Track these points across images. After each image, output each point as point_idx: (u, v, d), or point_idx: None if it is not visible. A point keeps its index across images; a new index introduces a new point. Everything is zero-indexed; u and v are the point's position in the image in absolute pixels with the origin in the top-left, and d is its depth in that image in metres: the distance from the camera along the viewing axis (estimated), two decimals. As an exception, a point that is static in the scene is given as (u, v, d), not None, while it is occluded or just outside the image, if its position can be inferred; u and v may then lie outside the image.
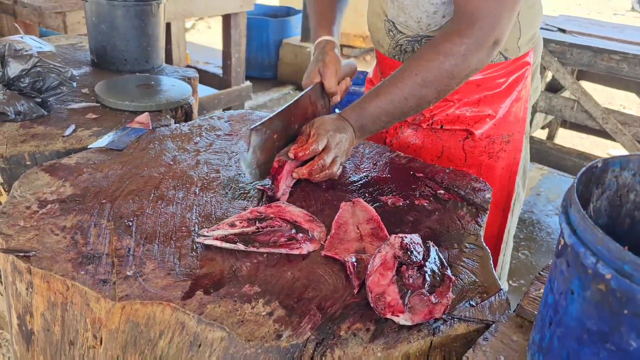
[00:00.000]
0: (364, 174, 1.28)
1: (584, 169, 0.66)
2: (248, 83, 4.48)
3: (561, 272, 0.62)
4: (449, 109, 1.41)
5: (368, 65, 6.65)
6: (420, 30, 1.32)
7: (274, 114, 1.19)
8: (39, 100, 1.49)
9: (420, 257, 0.91)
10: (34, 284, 0.89)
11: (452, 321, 0.84)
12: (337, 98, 1.37)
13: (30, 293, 0.91)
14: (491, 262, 1.00)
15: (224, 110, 4.37)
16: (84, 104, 1.57)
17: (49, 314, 0.91)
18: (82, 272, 0.87)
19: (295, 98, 1.26)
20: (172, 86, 1.72)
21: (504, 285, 1.69)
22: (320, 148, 1.17)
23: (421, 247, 0.95)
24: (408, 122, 1.47)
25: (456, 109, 1.40)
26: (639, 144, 3.11)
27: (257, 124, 1.15)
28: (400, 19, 1.34)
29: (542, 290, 0.85)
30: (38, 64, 1.50)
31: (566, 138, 4.65)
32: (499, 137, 1.42)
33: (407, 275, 0.88)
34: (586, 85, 3.69)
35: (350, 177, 1.27)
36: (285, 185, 1.17)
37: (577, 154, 3.47)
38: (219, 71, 4.55)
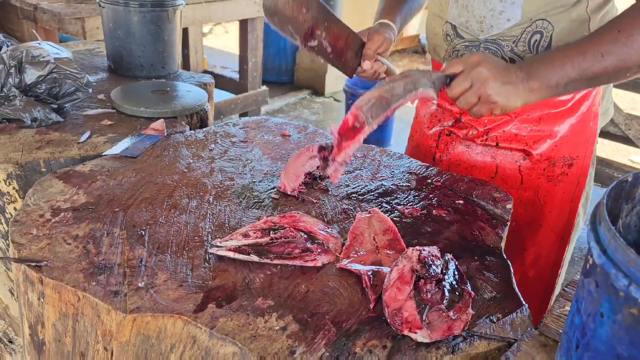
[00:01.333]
0: (380, 182, 1.26)
1: (613, 184, 0.62)
2: (264, 88, 4.49)
3: (589, 293, 0.59)
4: (506, 125, 1.32)
5: (385, 70, 6.61)
6: (481, 33, 1.26)
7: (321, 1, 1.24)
8: (55, 106, 1.49)
9: (438, 270, 0.88)
10: (45, 294, 0.88)
11: (472, 338, 0.81)
12: (366, 64, 1.36)
13: (41, 303, 0.90)
14: (512, 276, 0.96)
15: (240, 114, 4.37)
16: (99, 110, 1.56)
17: (60, 325, 0.90)
18: (94, 283, 0.86)
19: (343, 23, 1.30)
20: (188, 92, 1.71)
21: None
22: (469, 106, 1.08)
23: (440, 260, 0.92)
24: (460, 138, 1.39)
25: (514, 126, 1.32)
26: (664, 151, 3.04)
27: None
28: (462, 19, 1.28)
29: (566, 308, 0.82)
30: (54, 70, 1.50)
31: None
32: (560, 159, 1.32)
33: (425, 289, 0.85)
34: (608, 90, 3.61)
35: (366, 185, 1.24)
36: (345, 157, 1.02)
37: (599, 161, 3.40)
38: (236, 76, 4.56)
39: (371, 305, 0.85)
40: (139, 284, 0.87)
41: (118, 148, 1.32)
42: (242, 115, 4.39)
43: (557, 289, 1.53)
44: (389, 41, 1.36)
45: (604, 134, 3.83)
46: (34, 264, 0.89)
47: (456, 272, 0.91)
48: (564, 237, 1.42)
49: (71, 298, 0.86)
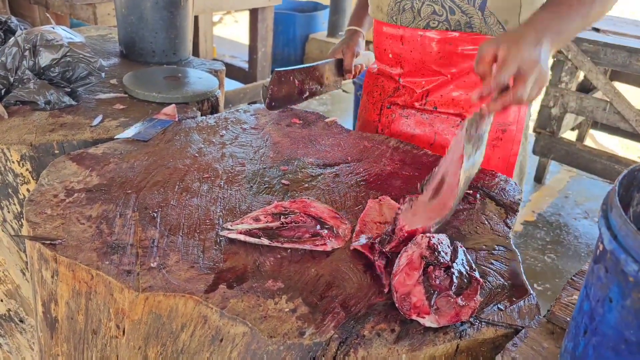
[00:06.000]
0: (391, 169, 1.26)
1: (625, 172, 0.63)
2: (274, 77, 4.48)
3: (599, 279, 0.59)
4: (445, 86, 1.40)
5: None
6: None
7: (297, 67, 1.51)
8: (68, 90, 1.50)
9: (447, 258, 0.89)
10: (59, 272, 0.90)
11: (480, 325, 0.82)
12: (349, 75, 1.63)
13: (55, 281, 0.91)
14: (520, 265, 0.97)
15: (249, 104, 4.37)
16: (111, 95, 1.57)
17: (73, 303, 0.91)
18: (107, 262, 0.87)
19: (316, 63, 1.56)
20: (199, 79, 1.72)
21: None
22: (508, 79, 1.00)
23: (449, 247, 0.93)
24: (399, 105, 1.49)
25: (451, 89, 1.39)
26: (674, 148, 3.02)
27: (281, 69, 1.45)
28: None
29: (574, 296, 0.82)
30: (68, 53, 1.51)
31: (596, 140, 4.54)
32: (494, 124, 1.38)
33: (433, 276, 0.85)
34: (619, 86, 3.59)
35: (376, 173, 1.25)
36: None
37: (608, 157, 3.39)
38: (245, 65, 4.56)
39: (385, 290, 0.86)
40: (152, 264, 0.88)
41: (130, 132, 1.33)
42: (250, 104, 4.39)
43: None
44: (358, 45, 1.62)
45: (614, 130, 3.81)
46: (48, 242, 0.91)
47: (465, 260, 0.91)
48: None
49: (85, 276, 0.87)
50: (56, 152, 1.29)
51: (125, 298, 0.84)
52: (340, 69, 1.63)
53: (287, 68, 1.49)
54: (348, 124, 4.62)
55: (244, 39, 6.67)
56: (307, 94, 1.58)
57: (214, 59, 4.78)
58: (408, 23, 1.37)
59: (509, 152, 1.43)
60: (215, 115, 1.50)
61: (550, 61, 1.08)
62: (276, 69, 1.46)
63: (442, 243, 0.92)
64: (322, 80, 1.59)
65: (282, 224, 0.97)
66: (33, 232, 0.93)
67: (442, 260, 0.88)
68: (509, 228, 1.08)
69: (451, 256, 0.90)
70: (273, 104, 1.49)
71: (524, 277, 0.94)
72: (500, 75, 0.99)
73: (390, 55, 1.47)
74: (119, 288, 0.84)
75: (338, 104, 5.17)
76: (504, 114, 1.35)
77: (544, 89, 1.05)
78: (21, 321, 1.49)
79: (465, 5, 1.29)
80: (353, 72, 1.63)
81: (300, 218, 0.99)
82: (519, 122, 1.41)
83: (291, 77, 1.50)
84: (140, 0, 1.79)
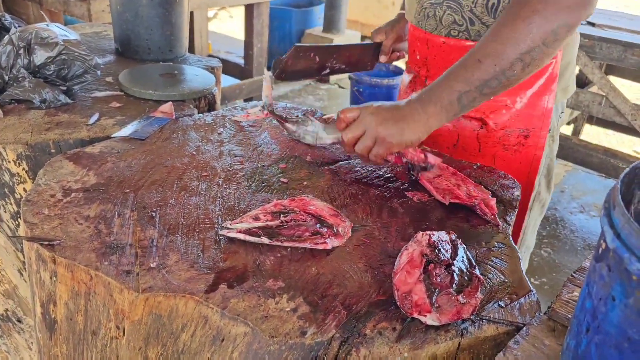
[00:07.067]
0: (389, 168, 1.26)
1: (627, 169, 0.63)
2: (270, 73, 4.46)
3: (601, 277, 0.59)
4: None
5: (390, 57, 6.58)
6: None
7: (322, 45, 1.44)
8: (64, 88, 1.49)
9: (448, 255, 0.89)
10: (58, 273, 0.89)
11: (481, 322, 0.82)
12: (383, 58, 1.58)
13: (54, 282, 0.91)
14: (520, 261, 0.97)
15: (245, 100, 4.36)
16: (107, 93, 1.56)
17: (72, 304, 0.91)
18: (106, 263, 0.87)
19: (352, 43, 1.52)
20: (196, 76, 1.71)
21: None
22: (353, 137, 1.14)
23: (449, 245, 0.92)
24: None
25: None
26: (669, 142, 3.03)
27: (302, 44, 1.39)
28: None
29: (575, 293, 0.82)
30: (63, 51, 1.50)
31: (592, 134, 4.55)
32: (516, 130, 1.38)
33: (434, 274, 0.85)
34: (614, 80, 3.60)
35: (374, 171, 1.24)
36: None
37: (603, 151, 3.40)
38: (241, 61, 4.55)
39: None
40: (151, 264, 0.88)
41: (127, 130, 1.32)
42: (247, 100, 4.38)
43: (524, 258, 1.62)
44: (403, 31, 1.56)
45: (610, 124, 3.82)
46: (46, 242, 0.90)
47: (465, 257, 0.91)
48: (522, 206, 1.47)
49: (84, 277, 0.87)
50: (52, 151, 1.28)
51: (125, 299, 0.84)
52: (378, 51, 1.59)
53: (309, 44, 1.45)
54: (344, 119, 4.61)
55: (239, 34, 6.64)
56: (328, 70, 1.53)
57: (210, 55, 4.77)
58: (432, 29, 1.37)
59: (531, 157, 1.42)
60: (212, 112, 1.49)
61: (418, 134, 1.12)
62: (296, 44, 1.42)
63: (442, 240, 0.92)
64: (351, 59, 1.54)
65: (282, 222, 0.97)
66: (31, 232, 0.93)
67: (442, 258, 0.87)
68: (509, 224, 1.08)
69: (451, 253, 0.90)
70: (283, 75, 1.45)
71: (524, 274, 0.94)
72: (345, 134, 1.15)
73: (418, 57, 1.46)
74: (119, 289, 0.84)
75: (334, 99, 5.16)
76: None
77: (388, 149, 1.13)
78: (19, 321, 1.49)
79: (486, 17, 1.28)
80: (387, 56, 1.59)
81: (300, 216, 0.98)
82: (542, 127, 1.40)
83: (311, 54, 1.44)
84: (135, -3, 1.77)
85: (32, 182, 1.18)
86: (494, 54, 1.06)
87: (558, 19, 1.04)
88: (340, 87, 5.44)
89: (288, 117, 1.37)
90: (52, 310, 0.95)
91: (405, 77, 1.56)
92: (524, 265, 1.67)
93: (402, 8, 1.63)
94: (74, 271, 0.87)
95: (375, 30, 1.60)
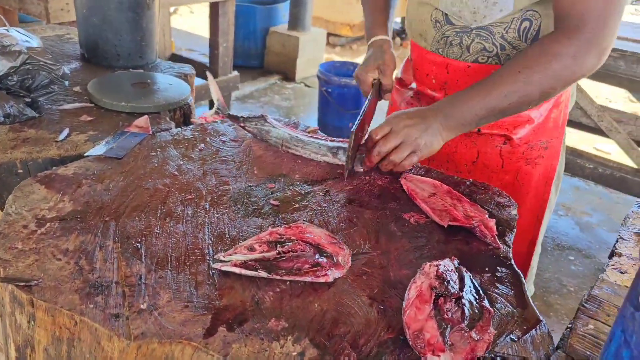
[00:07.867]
0: (383, 187, 1.21)
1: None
2: (235, 73, 4.37)
3: (640, 326, 0.57)
4: None
5: (354, 54, 6.57)
6: (474, 22, 1.28)
7: (360, 117, 1.25)
8: (29, 100, 1.39)
9: (457, 287, 0.85)
10: (36, 317, 0.81)
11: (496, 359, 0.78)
12: (388, 96, 1.45)
13: (32, 326, 0.83)
14: (525, 287, 0.94)
15: (209, 100, 4.25)
16: (76, 105, 1.46)
17: (52, 349, 0.83)
18: (91, 306, 0.79)
19: (368, 99, 1.35)
20: (170, 85, 1.63)
21: (530, 287, 1.65)
22: (390, 148, 1.16)
23: (455, 274, 0.89)
24: None
25: None
26: (634, 143, 3.11)
27: (355, 126, 1.20)
28: (455, 9, 1.29)
29: (590, 326, 0.80)
30: (28, 61, 1.39)
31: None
32: (537, 143, 1.38)
33: (444, 309, 0.82)
34: (581, 82, 3.66)
35: (365, 189, 1.20)
36: None
37: (570, 151, 3.46)
38: (204, 59, 4.43)
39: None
40: (141, 305, 0.81)
41: (101, 148, 1.24)
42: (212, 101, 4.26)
43: (535, 264, 1.62)
44: (394, 59, 1.44)
45: (575, 124, 3.89)
46: (22, 283, 0.82)
47: (472, 287, 0.88)
48: (539, 216, 1.49)
49: (67, 322, 0.79)
50: (20, 171, 1.19)
51: (114, 347, 0.76)
52: (378, 90, 1.42)
53: (357, 123, 1.21)
54: (312, 119, 4.56)
55: (201, 30, 6.49)
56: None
57: (173, 54, 4.63)
58: (455, 57, 1.33)
59: (549, 167, 1.42)
60: (191, 126, 1.42)
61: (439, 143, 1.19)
62: (353, 130, 1.18)
63: (448, 270, 0.88)
64: (371, 114, 1.40)
65: (279, 253, 0.91)
66: (4, 271, 0.84)
67: (452, 291, 0.84)
68: (509, 247, 1.05)
69: (459, 284, 0.87)
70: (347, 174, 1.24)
71: (531, 301, 0.91)
72: (381, 147, 1.17)
73: (434, 81, 1.41)
74: (107, 335, 0.76)
75: (301, 99, 5.10)
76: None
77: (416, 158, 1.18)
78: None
79: (517, 41, 1.27)
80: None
81: (298, 246, 0.93)
82: (558, 136, 1.40)
83: (360, 134, 1.25)
84: (103, 1, 1.67)
85: (1, 210, 1.09)
86: (520, 93, 1.14)
87: (583, 69, 1.13)
88: (306, 85, 5.38)
89: (242, 117, 1.36)
90: (30, 356, 0.86)
91: (405, 93, 1.52)
92: (534, 270, 1.65)
93: (373, 32, 1.47)
94: (55, 315, 0.80)
95: (361, 69, 1.42)
